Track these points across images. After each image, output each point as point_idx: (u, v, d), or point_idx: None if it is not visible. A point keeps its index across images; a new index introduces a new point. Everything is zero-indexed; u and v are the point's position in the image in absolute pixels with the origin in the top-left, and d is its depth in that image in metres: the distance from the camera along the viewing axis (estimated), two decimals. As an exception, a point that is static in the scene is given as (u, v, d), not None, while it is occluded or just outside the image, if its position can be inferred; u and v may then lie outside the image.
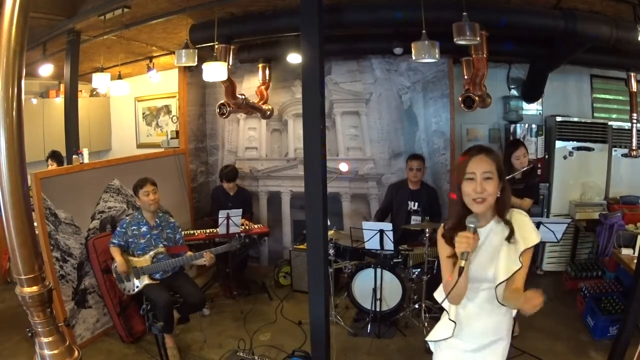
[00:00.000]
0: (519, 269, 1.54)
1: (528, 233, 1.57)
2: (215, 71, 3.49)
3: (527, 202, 3.28)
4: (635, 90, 4.09)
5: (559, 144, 4.48)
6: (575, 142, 4.46)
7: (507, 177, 3.34)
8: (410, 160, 4.06)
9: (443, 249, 1.63)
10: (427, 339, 1.81)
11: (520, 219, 1.60)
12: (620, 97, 4.68)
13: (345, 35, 4.16)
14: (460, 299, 1.60)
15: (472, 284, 1.60)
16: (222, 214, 4.02)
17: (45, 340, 1.15)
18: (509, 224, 1.57)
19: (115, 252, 3.24)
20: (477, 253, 1.58)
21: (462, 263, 1.46)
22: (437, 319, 1.82)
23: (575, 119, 4.53)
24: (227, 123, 5.15)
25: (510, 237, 1.56)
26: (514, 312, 1.71)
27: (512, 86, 4.90)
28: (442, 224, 1.68)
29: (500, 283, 1.55)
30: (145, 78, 5.32)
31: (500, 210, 1.59)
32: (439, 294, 1.72)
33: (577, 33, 3.14)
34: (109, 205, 3.80)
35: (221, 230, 4.07)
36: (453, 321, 1.66)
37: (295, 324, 3.79)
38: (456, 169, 1.62)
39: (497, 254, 1.57)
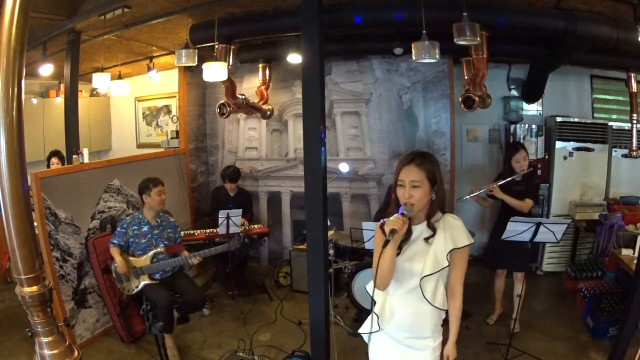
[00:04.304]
0: (446, 267, 1.67)
1: (458, 234, 1.68)
2: (215, 71, 3.49)
3: (528, 202, 3.27)
4: (635, 90, 4.10)
5: (559, 144, 4.48)
6: (575, 142, 4.46)
7: (505, 180, 3.38)
8: None
9: (379, 238, 1.70)
10: (359, 331, 1.88)
11: (452, 222, 1.71)
12: (620, 98, 4.69)
13: (345, 35, 4.16)
14: (385, 281, 1.69)
15: (400, 277, 1.70)
16: (222, 214, 4.02)
17: (45, 340, 1.15)
18: (431, 226, 1.70)
19: (115, 253, 3.24)
20: (408, 247, 1.70)
21: (390, 237, 1.56)
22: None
23: (576, 120, 4.53)
24: (227, 123, 5.15)
25: (428, 239, 1.69)
26: (443, 313, 1.78)
27: (512, 86, 4.90)
28: (382, 220, 1.75)
29: (425, 276, 1.65)
30: (145, 78, 5.32)
31: (430, 211, 1.70)
32: (369, 286, 1.79)
33: (577, 33, 3.15)
34: (109, 205, 3.80)
35: (221, 230, 4.07)
36: (376, 314, 1.75)
37: (295, 324, 3.79)
38: (394, 173, 1.74)
39: (426, 251, 1.67)
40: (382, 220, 1.72)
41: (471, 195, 3.40)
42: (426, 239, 1.70)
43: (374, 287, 1.71)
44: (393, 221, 1.59)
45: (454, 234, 1.68)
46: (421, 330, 1.73)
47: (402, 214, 1.61)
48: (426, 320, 1.73)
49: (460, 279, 1.74)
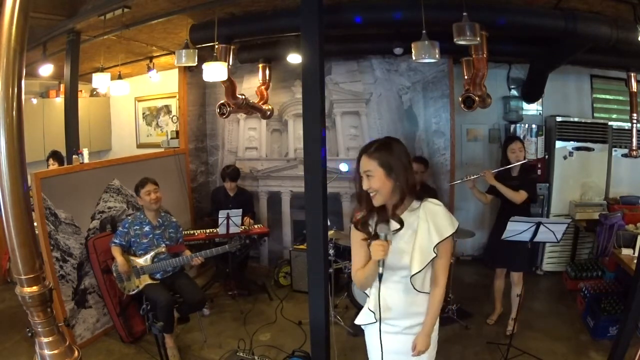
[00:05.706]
0: (434, 258, 1.64)
1: (442, 223, 1.64)
2: (215, 71, 3.49)
3: (522, 194, 3.27)
4: (635, 90, 4.09)
5: (559, 144, 4.48)
6: (575, 142, 4.47)
7: (500, 169, 3.39)
8: (413, 163, 4.06)
9: (355, 235, 1.72)
10: (355, 322, 1.87)
11: (433, 209, 1.66)
12: (620, 97, 4.69)
13: (345, 35, 4.16)
14: (366, 287, 1.77)
15: (389, 270, 1.68)
16: (222, 214, 4.02)
17: (45, 340, 1.15)
18: (396, 217, 1.65)
19: (117, 252, 3.25)
20: (394, 241, 1.66)
21: (380, 270, 1.58)
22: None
23: (576, 119, 4.53)
24: (227, 123, 5.15)
25: (398, 230, 1.64)
26: None
27: (512, 86, 4.90)
28: (354, 214, 1.76)
29: (415, 274, 1.63)
30: (145, 78, 5.32)
31: (397, 200, 1.65)
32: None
33: (577, 33, 3.14)
34: (109, 205, 3.80)
35: (221, 230, 4.07)
36: (372, 311, 1.74)
37: (295, 324, 3.79)
38: None
39: (412, 241, 1.65)
40: (354, 219, 1.72)
41: (465, 179, 3.45)
42: (396, 231, 1.66)
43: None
44: (379, 250, 1.56)
45: (438, 223, 1.64)
46: (417, 316, 1.75)
47: (383, 237, 1.58)
48: (420, 307, 1.75)
49: (444, 267, 1.71)
